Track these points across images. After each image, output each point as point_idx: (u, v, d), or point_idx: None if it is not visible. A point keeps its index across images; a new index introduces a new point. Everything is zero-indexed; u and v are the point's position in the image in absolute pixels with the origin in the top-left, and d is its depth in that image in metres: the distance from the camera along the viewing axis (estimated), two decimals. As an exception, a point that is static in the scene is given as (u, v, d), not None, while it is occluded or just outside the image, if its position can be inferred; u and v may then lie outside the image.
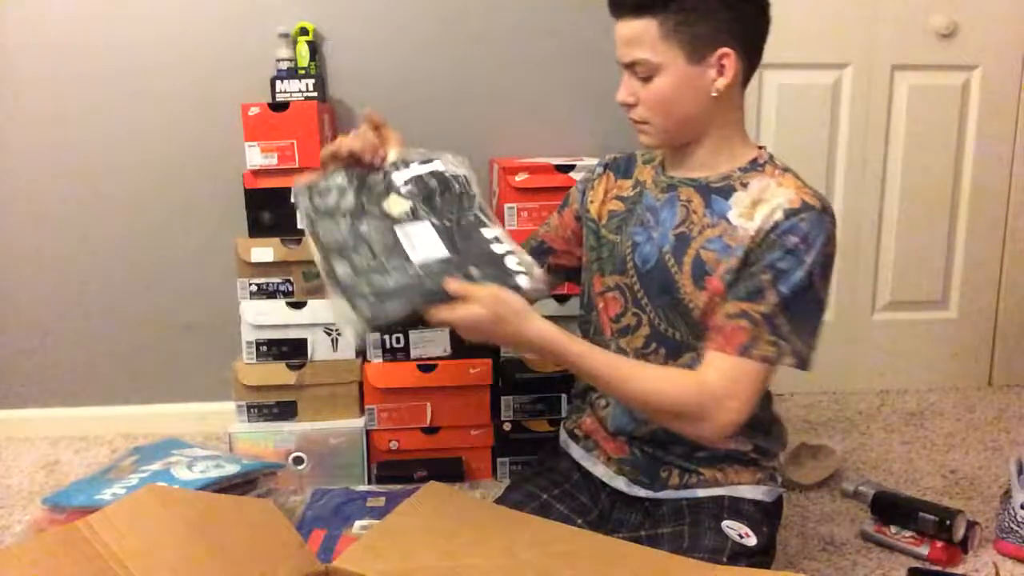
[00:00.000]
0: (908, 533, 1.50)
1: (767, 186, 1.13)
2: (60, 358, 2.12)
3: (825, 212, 1.09)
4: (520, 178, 1.74)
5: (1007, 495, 1.53)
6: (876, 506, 1.56)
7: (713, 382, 1.07)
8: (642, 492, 1.23)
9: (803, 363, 1.09)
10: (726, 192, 1.14)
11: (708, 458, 1.20)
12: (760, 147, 1.20)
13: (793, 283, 1.06)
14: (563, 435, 1.37)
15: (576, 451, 1.32)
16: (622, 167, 1.31)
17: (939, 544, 1.46)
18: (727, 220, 1.12)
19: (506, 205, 1.75)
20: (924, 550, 1.46)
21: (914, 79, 2.22)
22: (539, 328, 1.05)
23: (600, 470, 1.27)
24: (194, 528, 0.90)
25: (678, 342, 1.18)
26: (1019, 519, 1.46)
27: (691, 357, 1.17)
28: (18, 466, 1.93)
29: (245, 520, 0.96)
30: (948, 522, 1.45)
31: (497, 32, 2.06)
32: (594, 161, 1.75)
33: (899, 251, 2.31)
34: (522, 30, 2.07)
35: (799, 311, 1.07)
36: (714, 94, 1.11)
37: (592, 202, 1.30)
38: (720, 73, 1.10)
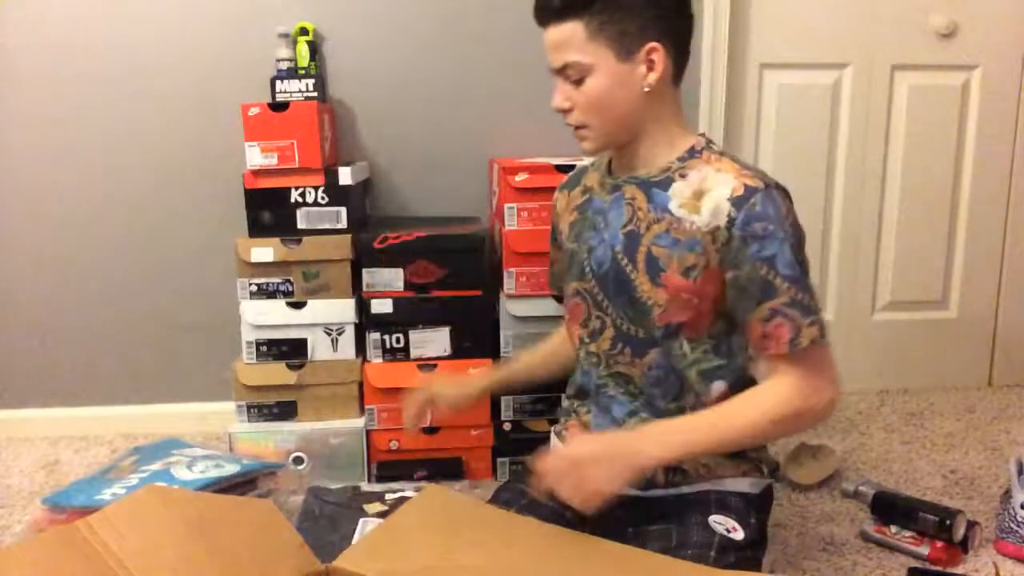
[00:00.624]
0: (908, 533, 1.50)
1: (706, 175, 1.13)
2: (60, 358, 2.12)
3: (770, 188, 1.10)
4: (520, 178, 1.74)
5: (1007, 495, 1.53)
6: (876, 506, 1.56)
7: (790, 385, 1.10)
8: (630, 491, 1.21)
9: (824, 329, 1.12)
10: (665, 184, 1.15)
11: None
12: (700, 135, 1.21)
13: (787, 261, 1.08)
14: (552, 437, 1.37)
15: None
16: (573, 180, 1.33)
17: (939, 544, 1.46)
18: (670, 212, 1.13)
19: (506, 205, 1.75)
20: (924, 550, 1.46)
21: (914, 79, 2.22)
22: (657, 452, 1.07)
23: None
24: (194, 528, 0.90)
25: (642, 339, 1.19)
26: (1019, 519, 1.46)
27: (657, 352, 1.18)
28: (18, 466, 1.93)
29: (245, 520, 0.96)
30: (948, 522, 1.45)
31: (497, 32, 2.06)
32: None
33: (899, 251, 2.31)
34: (522, 30, 2.05)
35: (804, 281, 1.10)
36: (646, 89, 1.12)
37: (560, 223, 1.33)
38: (650, 68, 1.11)
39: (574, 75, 1.12)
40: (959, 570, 1.45)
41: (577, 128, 1.16)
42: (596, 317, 1.23)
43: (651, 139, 1.17)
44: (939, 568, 1.44)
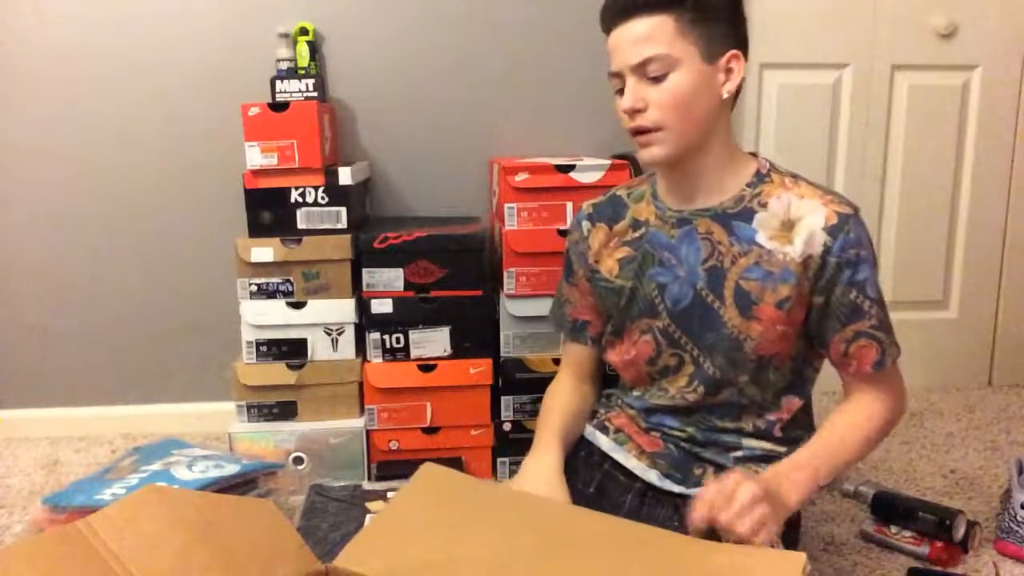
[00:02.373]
0: (908, 533, 1.50)
1: (789, 203, 1.12)
2: (60, 358, 2.12)
3: (858, 213, 1.11)
4: (520, 178, 1.74)
5: (1007, 495, 1.53)
6: (876, 506, 1.56)
7: (879, 402, 1.16)
8: (674, 487, 1.21)
9: (899, 347, 1.19)
10: (746, 216, 1.13)
11: (744, 457, 1.20)
12: (754, 154, 1.19)
13: (874, 284, 1.11)
14: (588, 428, 1.33)
15: (604, 442, 1.29)
16: (608, 213, 1.27)
17: (939, 544, 1.46)
18: (758, 244, 1.12)
19: (506, 205, 1.75)
20: (924, 550, 1.46)
21: (914, 79, 2.22)
22: (795, 494, 1.06)
23: (632, 463, 1.25)
24: (194, 528, 0.90)
25: (717, 380, 1.17)
26: (1019, 519, 1.46)
27: (729, 393, 1.18)
28: (18, 466, 1.93)
29: (245, 520, 0.96)
30: (948, 522, 1.45)
31: (497, 32, 2.06)
32: (594, 161, 1.77)
33: (899, 251, 2.31)
34: (522, 30, 2.07)
35: (884, 302, 1.14)
36: (725, 96, 1.10)
37: (597, 261, 1.27)
38: (728, 76, 1.09)
39: (656, 70, 1.06)
40: (959, 570, 1.45)
41: (647, 132, 1.09)
42: (671, 354, 1.20)
43: (714, 159, 1.13)
44: (939, 568, 1.44)
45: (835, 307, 1.11)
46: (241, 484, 1.49)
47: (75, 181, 2.04)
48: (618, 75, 1.10)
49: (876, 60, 2.20)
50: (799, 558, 0.88)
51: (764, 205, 1.12)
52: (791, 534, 1.19)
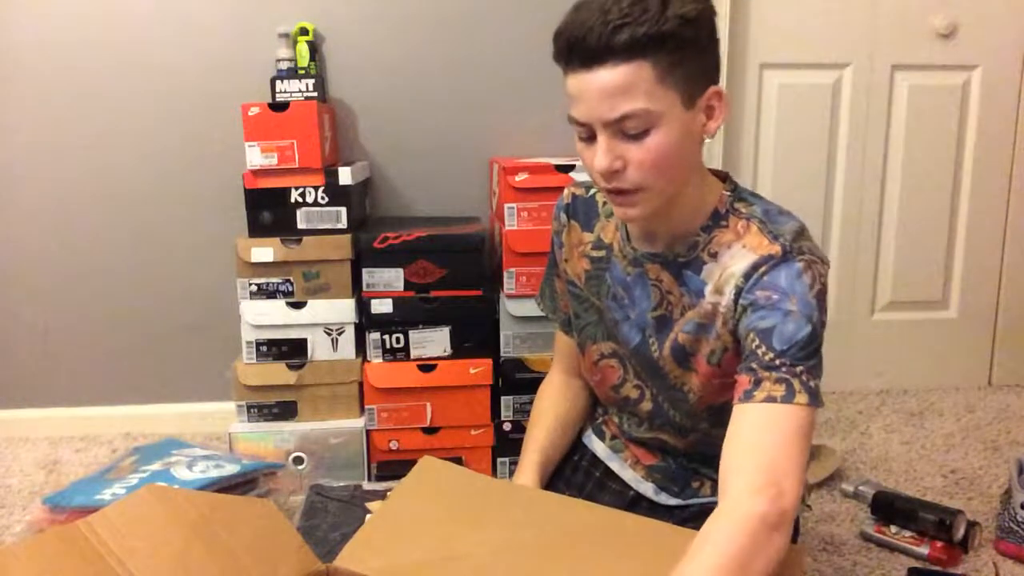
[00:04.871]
0: (908, 533, 1.50)
1: (735, 253, 0.99)
2: (60, 358, 2.12)
3: (784, 254, 0.94)
4: (520, 178, 1.73)
5: (1007, 495, 1.53)
6: (876, 506, 1.56)
7: (758, 495, 0.84)
8: (671, 500, 1.17)
9: (815, 398, 0.92)
10: (696, 266, 1.01)
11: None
12: (720, 178, 1.05)
13: (786, 338, 0.91)
14: (587, 430, 1.28)
15: (600, 448, 1.24)
16: (582, 215, 1.16)
17: (939, 544, 1.46)
18: (704, 297, 1.01)
19: (506, 205, 1.75)
20: (924, 550, 1.46)
21: (914, 79, 2.22)
22: None
23: (628, 474, 1.21)
24: (194, 528, 0.90)
25: (678, 424, 1.11)
26: (1019, 519, 1.46)
27: (696, 436, 1.11)
28: (18, 466, 1.93)
29: (245, 520, 0.96)
30: (948, 522, 1.45)
31: (498, 32, 2.06)
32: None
33: (899, 251, 2.31)
34: (522, 30, 2.07)
35: (800, 358, 0.91)
36: (707, 140, 0.97)
37: (567, 260, 1.18)
38: (709, 116, 0.95)
39: (636, 127, 0.90)
40: (959, 570, 1.45)
41: (627, 193, 0.95)
42: (634, 386, 1.13)
43: (684, 202, 1.00)
44: (939, 568, 1.44)
45: (741, 356, 0.95)
46: (241, 484, 1.49)
47: (75, 181, 2.04)
48: (584, 125, 0.93)
49: (876, 60, 2.20)
50: (798, 552, 0.88)
51: (714, 255, 1.00)
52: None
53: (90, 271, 2.08)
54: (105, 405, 2.13)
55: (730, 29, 2.10)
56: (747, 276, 0.96)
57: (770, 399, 0.89)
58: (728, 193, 1.02)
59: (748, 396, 0.90)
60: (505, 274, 1.75)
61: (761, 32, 2.16)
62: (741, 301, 0.95)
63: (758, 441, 0.88)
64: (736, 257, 0.98)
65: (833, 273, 2.31)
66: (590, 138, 0.94)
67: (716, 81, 0.96)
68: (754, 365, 0.91)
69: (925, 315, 2.36)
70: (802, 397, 0.89)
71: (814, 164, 2.23)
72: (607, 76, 0.88)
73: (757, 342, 0.92)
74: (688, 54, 0.90)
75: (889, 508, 1.54)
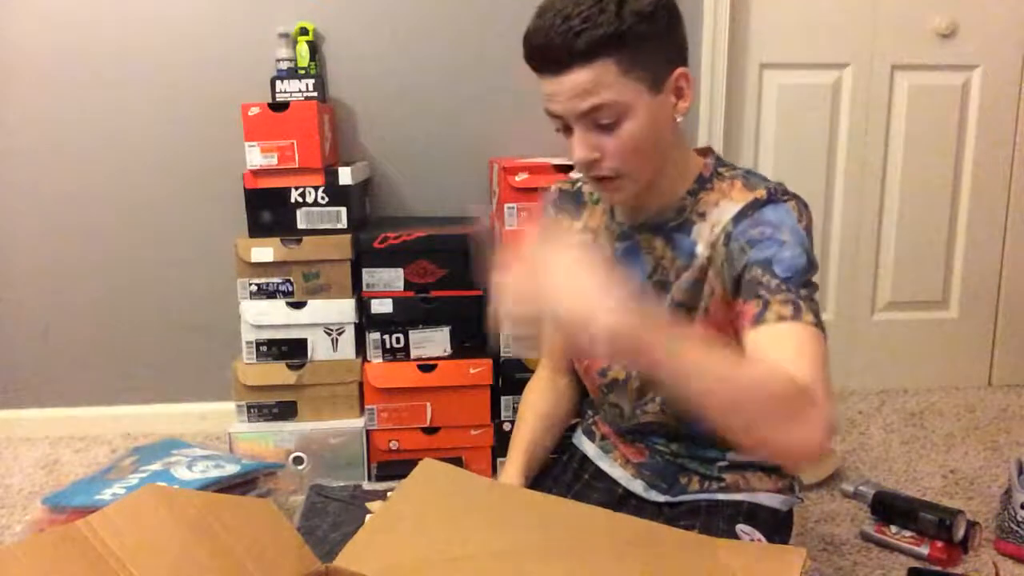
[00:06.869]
0: (908, 533, 1.50)
1: (723, 207, 1.03)
2: (60, 358, 2.12)
3: (769, 194, 1.00)
4: (520, 178, 1.74)
5: (1007, 495, 1.53)
6: (876, 506, 1.56)
7: (790, 366, 0.85)
8: (660, 497, 1.19)
9: (819, 323, 0.93)
10: (686, 228, 1.05)
11: (731, 466, 1.17)
12: (702, 151, 1.09)
13: (786, 263, 0.94)
14: (577, 431, 1.31)
15: (591, 449, 1.27)
16: (570, 206, 1.20)
17: (939, 544, 1.46)
18: (697, 256, 1.04)
19: (506, 205, 1.75)
20: (924, 550, 1.46)
21: (914, 79, 2.22)
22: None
23: (618, 472, 1.23)
24: (194, 528, 0.90)
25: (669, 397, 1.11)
26: (1019, 519, 1.46)
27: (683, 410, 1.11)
28: (18, 466, 1.93)
29: (245, 520, 0.96)
30: (948, 522, 1.45)
31: (497, 32, 2.06)
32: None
33: (899, 251, 2.31)
34: (523, 30, 2.06)
35: (803, 283, 0.94)
36: (679, 119, 1.01)
37: None
38: (679, 96, 1.00)
39: (607, 117, 0.95)
40: (959, 570, 1.45)
41: (608, 179, 1.00)
42: (621, 367, 1.15)
43: (667, 174, 1.05)
44: (939, 568, 1.44)
45: (742, 291, 0.97)
46: (241, 484, 1.49)
47: (75, 181, 2.04)
48: (559, 116, 0.99)
49: (876, 60, 2.20)
50: (799, 554, 0.88)
51: (702, 215, 1.04)
52: (781, 537, 1.18)
53: (90, 271, 2.08)
54: (105, 405, 2.13)
55: (730, 29, 2.10)
56: (736, 220, 1.00)
57: (781, 318, 0.91)
58: (712, 161, 1.08)
59: (759, 318, 0.92)
60: (505, 274, 1.75)
61: (761, 32, 2.16)
62: (732, 244, 0.99)
63: (779, 352, 0.88)
64: (724, 211, 1.02)
65: (833, 273, 2.32)
66: (566, 129, 1.00)
67: (684, 62, 1.00)
68: (761, 292, 0.93)
69: (925, 315, 2.36)
70: (808, 316, 0.91)
71: (814, 164, 2.24)
72: (574, 78, 0.94)
73: (760, 271, 0.95)
74: (649, 45, 0.95)
75: (889, 508, 1.54)
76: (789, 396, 0.82)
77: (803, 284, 0.93)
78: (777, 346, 0.89)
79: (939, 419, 2.14)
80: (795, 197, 1.01)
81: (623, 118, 0.96)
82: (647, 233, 1.08)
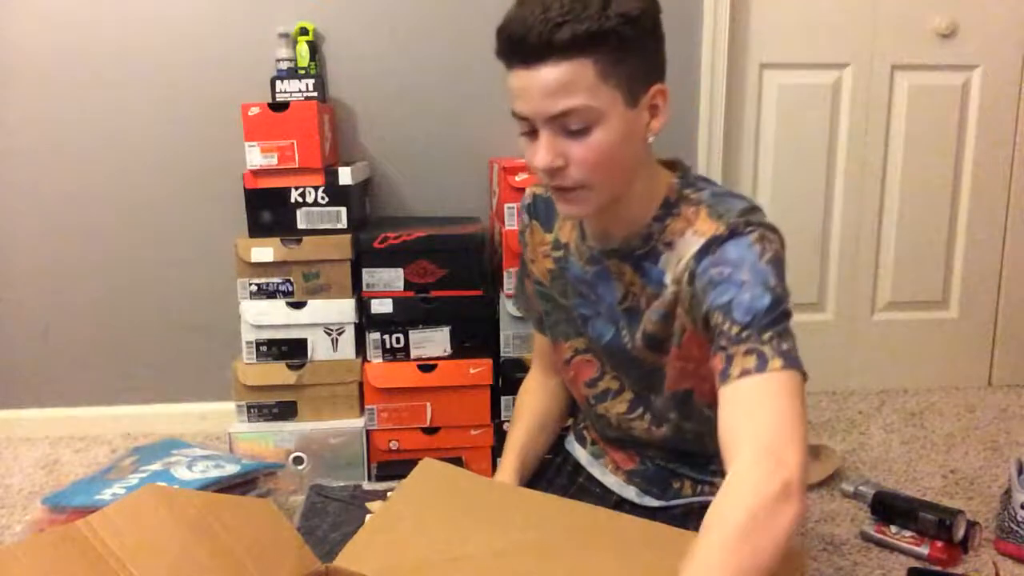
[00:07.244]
0: (908, 533, 1.50)
1: (688, 240, 0.98)
2: (60, 358, 2.12)
3: (732, 231, 0.93)
4: (520, 178, 1.74)
5: (1007, 495, 1.53)
6: (876, 506, 1.56)
7: (765, 471, 0.81)
8: (654, 502, 1.18)
9: (791, 361, 0.89)
10: (653, 257, 1.01)
11: (722, 471, 1.17)
12: (668, 165, 1.04)
13: (745, 307, 0.89)
14: (569, 435, 1.30)
15: (582, 455, 1.26)
16: (542, 214, 1.16)
17: (939, 544, 1.46)
18: (665, 285, 1.01)
19: (506, 205, 1.75)
20: (924, 550, 1.46)
21: (914, 79, 2.22)
22: None
23: (610, 480, 1.22)
24: (194, 528, 0.90)
25: (658, 410, 1.10)
26: (1019, 519, 1.46)
27: (669, 428, 1.10)
28: (18, 466, 1.93)
29: (245, 520, 0.96)
30: (948, 522, 1.45)
31: (497, 32, 2.06)
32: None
33: (899, 251, 2.31)
34: (522, 30, 2.06)
35: (766, 326, 0.89)
36: (650, 139, 0.96)
37: (533, 260, 1.18)
38: (653, 114, 0.95)
39: (578, 123, 0.90)
40: (959, 570, 1.45)
41: (570, 190, 0.95)
42: (612, 378, 1.13)
43: (634, 196, 1.00)
44: (939, 568, 1.44)
45: (710, 336, 0.94)
46: (241, 484, 1.49)
47: (75, 181, 2.04)
48: (526, 119, 0.94)
49: (876, 60, 2.20)
50: (798, 552, 0.87)
51: (669, 244, 1.00)
52: None
53: (90, 271, 2.08)
54: (105, 405, 2.13)
55: (730, 29, 2.10)
56: (698, 258, 0.95)
57: (745, 373, 0.86)
58: (677, 181, 1.02)
59: (725, 376, 0.88)
60: (505, 274, 1.76)
61: (761, 32, 2.16)
62: (696, 283, 0.95)
63: (746, 416, 0.85)
64: (689, 244, 0.98)
65: (833, 273, 2.32)
66: (532, 133, 0.94)
67: (661, 79, 0.95)
68: (723, 343, 0.90)
69: (925, 315, 2.36)
70: (776, 362, 0.86)
71: (814, 164, 2.24)
72: (548, 74, 0.89)
73: (720, 318, 0.90)
74: (631, 52, 0.90)
75: (889, 508, 1.54)
76: (757, 528, 0.79)
77: (768, 324, 0.88)
78: (744, 412, 0.86)
79: (939, 419, 2.14)
80: (759, 226, 0.94)
81: (594, 125, 0.90)
82: (616, 259, 1.05)
